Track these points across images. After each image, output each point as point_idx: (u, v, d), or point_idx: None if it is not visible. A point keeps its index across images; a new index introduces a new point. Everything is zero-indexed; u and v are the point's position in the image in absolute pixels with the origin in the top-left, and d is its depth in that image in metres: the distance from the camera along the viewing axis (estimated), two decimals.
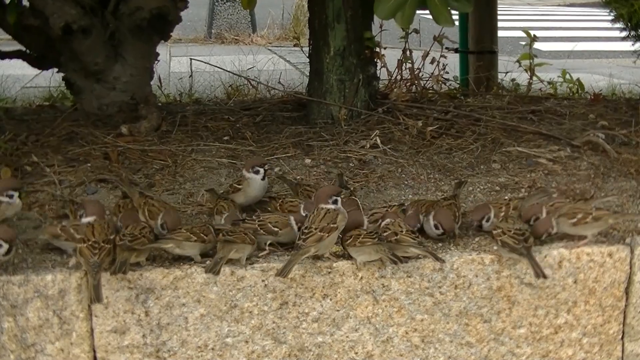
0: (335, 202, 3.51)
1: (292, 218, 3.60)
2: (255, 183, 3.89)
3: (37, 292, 3.36)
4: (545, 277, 3.49)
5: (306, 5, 11.61)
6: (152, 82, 5.69)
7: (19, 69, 7.11)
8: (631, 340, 3.80)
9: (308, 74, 5.65)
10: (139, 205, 3.77)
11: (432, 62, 5.98)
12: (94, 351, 3.46)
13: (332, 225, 3.40)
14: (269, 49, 11.44)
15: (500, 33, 7.14)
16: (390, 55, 5.78)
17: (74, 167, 4.38)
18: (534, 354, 3.72)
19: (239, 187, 3.89)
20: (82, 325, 3.42)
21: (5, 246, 3.31)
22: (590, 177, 4.41)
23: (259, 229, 3.57)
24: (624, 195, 4.19)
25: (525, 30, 6.28)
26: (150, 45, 5.51)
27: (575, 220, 3.63)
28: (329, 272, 3.47)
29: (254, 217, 3.67)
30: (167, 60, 6.10)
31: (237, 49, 10.99)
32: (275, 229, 3.57)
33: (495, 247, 3.59)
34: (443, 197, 4.01)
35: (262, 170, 3.88)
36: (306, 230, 3.39)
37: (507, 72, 6.69)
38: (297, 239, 3.41)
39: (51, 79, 6.49)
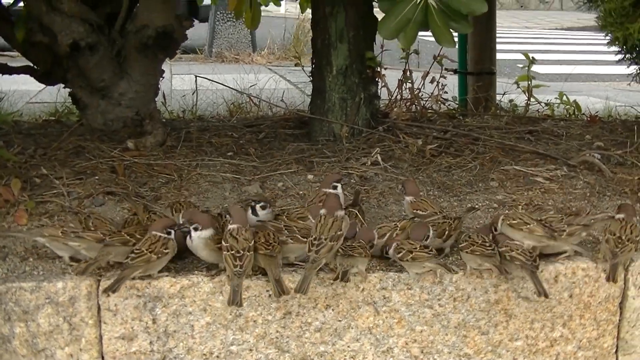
0: (335, 187, 3.77)
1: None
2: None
3: (48, 299, 3.44)
4: (546, 296, 3.55)
5: (306, 26, 11.71)
6: (156, 99, 5.77)
7: (23, 84, 7.19)
8: (625, 354, 3.87)
9: (308, 93, 5.75)
10: (143, 220, 3.87)
11: (431, 82, 6.08)
12: (102, 357, 3.52)
13: (339, 233, 3.50)
14: (269, 69, 11.53)
15: (497, 55, 7.21)
16: (390, 76, 5.87)
17: (81, 179, 4.46)
18: None
19: None
20: (91, 331, 3.49)
21: None
22: (586, 195, 4.50)
23: (284, 229, 3.68)
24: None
25: (524, 52, 6.39)
26: (156, 63, 5.59)
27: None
28: (332, 284, 3.55)
29: (278, 219, 3.80)
30: (169, 78, 6.17)
31: (238, 67, 11.06)
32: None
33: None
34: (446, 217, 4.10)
35: (340, 185, 3.96)
36: (316, 242, 3.46)
37: (504, 93, 6.78)
38: (308, 252, 3.48)
39: (57, 94, 6.57)
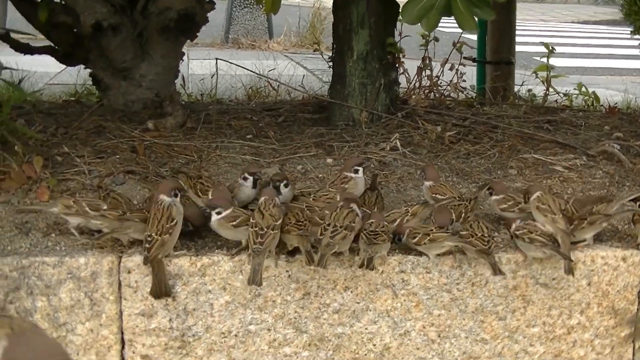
0: (356, 171, 3.82)
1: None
2: (361, 181, 3.99)
3: (70, 274, 3.47)
4: (572, 274, 3.62)
5: (322, 14, 11.71)
6: (175, 82, 5.78)
7: (42, 67, 7.23)
8: None
9: (325, 80, 5.77)
10: (189, 186, 3.92)
11: (450, 69, 6.09)
12: (122, 333, 3.56)
13: (352, 225, 3.53)
14: (285, 56, 11.53)
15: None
16: (408, 65, 5.87)
17: (102, 158, 4.48)
18: (546, 352, 3.81)
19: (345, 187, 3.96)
20: (111, 307, 3.53)
21: None
22: (605, 185, 4.50)
23: (305, 209, 3.71)
24: (638, 203, 4.29)
25: (545, 43, 6.37)
26: (177, 45, 5.59)
27: (572, 227, 3.75)
28: (351, 266, 3.58)
29: (304, 194, 3.88)
30: (186, 63, 6.18)
31: (255, 54, 11.08)
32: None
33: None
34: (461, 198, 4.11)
35: (361, 169, 3.96)
36: (332, 228, 3.49)
37: (523, 83, 6.78)
38: (320, 235, 3.50)
39: (77, 76, 6.58)
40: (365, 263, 3.48)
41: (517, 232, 3.67)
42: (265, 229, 3.42)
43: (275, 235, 3.45)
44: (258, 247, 3.39)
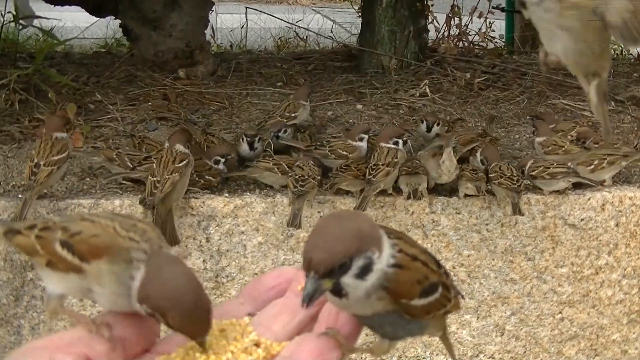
0: (396, 143, 3.73)
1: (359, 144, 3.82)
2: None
3: None
4: None
5: None
6: (205, 32, 5.80)
7: (71, 21, 7.25)
8: None
9: (353, 32, 5.79)
10: (201, 142, 3.94)
11: (479, 17, 6.08)
12: None
13: (395, 161, 3.56)
14: (313, 9, 11.49)
15: None
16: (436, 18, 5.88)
17: (134, 105, 4.53)
18: (574, 292, 3.83)
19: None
20: None
21: None
22: (633, 129, 4.50)
23: (329, 154, 3.76)
24: None
25: None
26: None
27: (592, 167, 3.77)
28: (382, 206, 3.61)
29: (324, 143, 3.85)
30: (215, 16, 6.18)
31: (283, 8, 11.04)
32: (345, 153, 3.75)
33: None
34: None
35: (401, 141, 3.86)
36: (374, 167, 3.54)
37: None
38: (368, 175, 3.55)
39: (107, 28, 6.62)
40: (411, 194, 3.54)
41: (534, 172, 3.70)
42: (307, 177, 3.47)
43: (314, 184, 3.49)
44: (299, 189, 3.44)
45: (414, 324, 1.19)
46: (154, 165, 3.50)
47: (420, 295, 1.15)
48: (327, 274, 1.06)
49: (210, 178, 3.62)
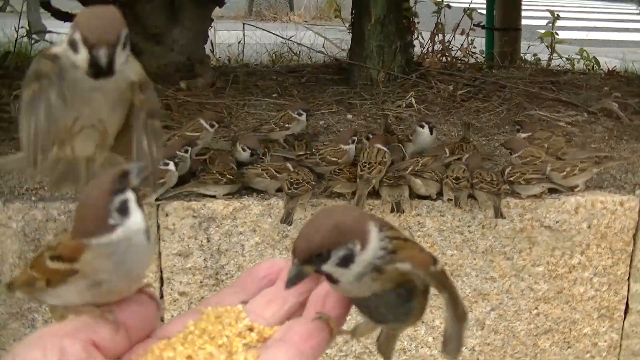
0: (352, 141, 3.83)
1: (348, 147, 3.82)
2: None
3: None
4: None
5: None
6: (205, 47, 5.81)
7: None
8: (636, 281, 3.91)
9: (343, 48, 5.82)
10: None
11: (461, 34, 6.12)
12: (161, 271, 3.61)
13: (384, 160, 3.59)
14: (305, 27, 11.51)
15: None
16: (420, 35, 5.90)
17: None
18: (549, 290, 3.85)
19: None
20: None
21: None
22: (605, 139, 4.54)
23: (320, 161, 3.76)
24: (635, 154, 4.32)
25: (550, 10, 6.39)
26: (206, 12, 5.61)
27: (565, 173, 3.79)
28: (372, 209, 3.63)
29: (314, 152, 3.86)
30: (214, 33, 6.18)
31: (277, 25, 11.07)
32: (334, 159, 3.76)
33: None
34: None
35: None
36: (366, 164, 3.57)
37: (528, 48, 6.80)
38: (360, 171, 3.57)
39: None
40: (395, 207, 3.56)
41: (512, 177, 3.72)
42: (301, 181, 3.50)
43: (307, 187, 3.51)
44: (293, 191, 3.47)
45: (406, 306, 1.21)
46: None
47: (434, 262, 1.18)
48: (306, 261, 1.11)
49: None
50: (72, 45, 1.42)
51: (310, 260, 1.12)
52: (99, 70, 1.43)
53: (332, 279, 1.15)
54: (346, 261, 1.12)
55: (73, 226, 1.15)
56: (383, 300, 1.19)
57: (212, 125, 3.97)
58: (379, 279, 1.16)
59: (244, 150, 3.89)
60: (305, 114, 4.12)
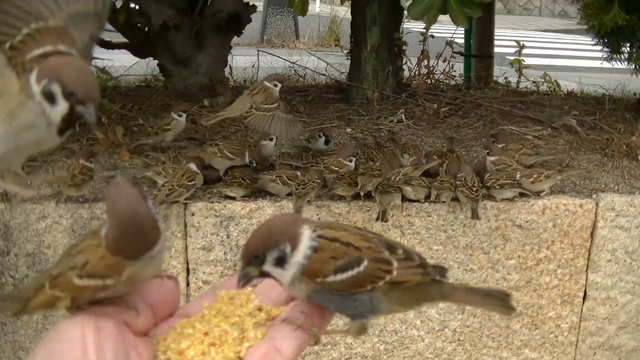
0: (350, 160, 3.78)
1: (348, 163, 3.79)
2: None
3: None
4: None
5: (337, 20, 11.61)
6: (225, 69, 5.78)
7: (118, 61, 7.22)
8: (592, 272, 3.90)
9: (342, 71, 5.82)
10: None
11: (443, 61, 6.09)
12: (187, 263, 3.60)
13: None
14: (309, 52, 11.47)
15: None
16: (408, 60, 5.87)
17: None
18: (520, 279, 3.83)
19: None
20: (179, 242, 3.56)
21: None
22: (566, 150, 4.51)
23: (324, 169, 3.73)
24: (591, 164, 4.30)
25: (517, 40, 6.38)
26: (226, 40, 5.59)
27: (532, 179, 3.77)
28: (368, 210, 3.60)
29: (319, 161, 3.84)
30: (231, 57, 6.16)
31: (285, 51, 11.04)
32: (337, 169, 3.72)
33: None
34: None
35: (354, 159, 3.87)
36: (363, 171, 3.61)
37: (503, 74, 6.80)
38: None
39: (147, 67, 6.61)
40: (379, 216, 3.52)
41: (488, 183, 3.69)
42: (307, 181, 3.47)
43: (314, 186, 3.48)
44: (300, 190, 3.44)
45: (352, 300, 1.16)
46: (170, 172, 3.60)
47: (336, 272, 1.13)
48: (248, 263, 1.13)
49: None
50: (48, 95, 1.25)
51: (251, 262, 1.12)
52: (70, 126, 1.28)
53: (277, 281, 1.15)
54: (281, 262, 1.12)
55: (113, 244, 1.09)
56: (322, 299, 1.16)
57: (180, 115, 4.11)
58: (304, 280, 1.14)
59: (319, 137, 4.00)
60: (184, 115, 4.13)
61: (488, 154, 3.97)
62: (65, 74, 1.25)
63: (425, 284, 1.22)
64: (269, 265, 1.13)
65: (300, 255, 1.13)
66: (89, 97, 1.26)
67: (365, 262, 1.15)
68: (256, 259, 1.13)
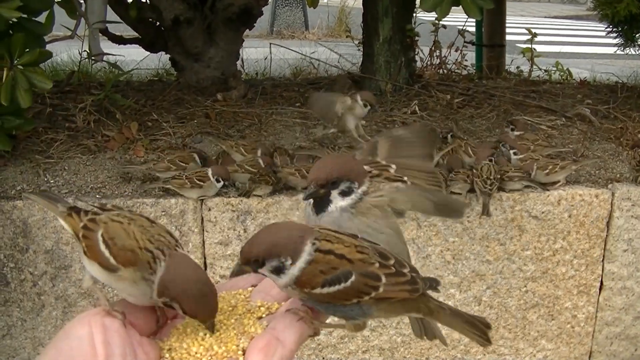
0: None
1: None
2: None
3: (164, 212, 3.52)
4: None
5: (346, 10, 11.61)
6: (237, 63, 5.79)
7: (128, 56, 7.23)
8: (609, 262, 3.90)
9: (353, 62, 5.81)
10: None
11: (456, 51, 6.08)
12: (205, 258, 3.62)
13: None
14: (319, 43, 11.45)
15: None
16: (420, 50, 5.85)
17: (183, 123, 4.51)
18: (536, 270, 3.84)
19: None
20: (196, 238, 3.58)
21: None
22: (580, 140, 4.50)
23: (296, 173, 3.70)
24: (606, 154, 4.29)
25: (528, 28, 6.33)
26: (238, 34, 5.59)
27: (547, 171, 3.77)
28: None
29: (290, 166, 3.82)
30: (242, 50, 6.15)
31: (294, 42, 11.02)
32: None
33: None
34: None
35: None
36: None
37: (511, 61, 6.77)
38: None
39: (159, 61, 6.62)
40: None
41: (500, 175, 3.70)
42: None
43: None
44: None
45: (340, 307, 1.21)
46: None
47: (323, 285, 1.18)
48: (246, 263, 1.19)
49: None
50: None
51: (249, 263, 1.19)
52: None
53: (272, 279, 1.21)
54: (278, 271, 1.18)
55: (195, 308, 1.19)
56: (316, 305, 1.22)
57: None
58: (296, 289, 1.20)
59: (365, 106, 3.94)
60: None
61: (512, 129, 3.99)
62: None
63: (412, 299, 1.26)
64: (266, 270, 1.19)
65: (296, 268, 1.18)
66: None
67: (353, 277, 1.19)
68: (255, 262, 1.19)
